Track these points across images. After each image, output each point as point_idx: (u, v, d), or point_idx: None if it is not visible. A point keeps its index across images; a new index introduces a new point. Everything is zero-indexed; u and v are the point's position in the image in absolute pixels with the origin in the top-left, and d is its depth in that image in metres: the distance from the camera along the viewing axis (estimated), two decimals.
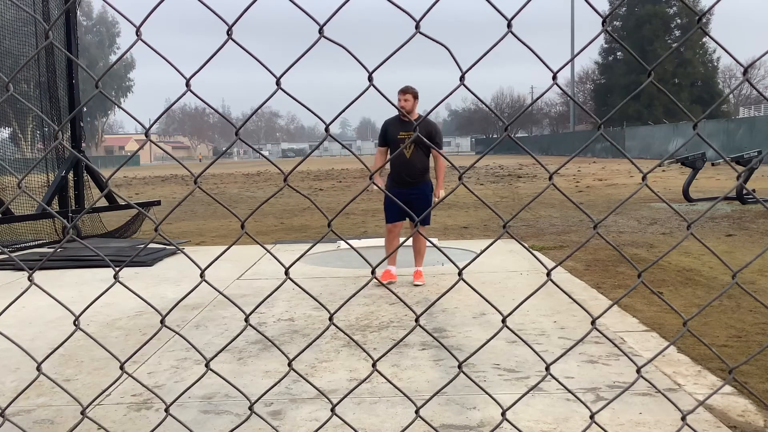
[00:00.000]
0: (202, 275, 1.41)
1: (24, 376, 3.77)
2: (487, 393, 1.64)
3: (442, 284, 5.95)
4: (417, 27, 1.29)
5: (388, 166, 6.10)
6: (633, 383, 1.67)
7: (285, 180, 1.43)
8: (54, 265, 7.28)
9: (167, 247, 8.08)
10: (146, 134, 1.34)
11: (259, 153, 1.55)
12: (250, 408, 1.55)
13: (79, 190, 9.67)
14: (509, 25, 1.32)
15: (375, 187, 5.97)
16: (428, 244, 5.77)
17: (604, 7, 49.10)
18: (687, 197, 12.98)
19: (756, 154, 13.66)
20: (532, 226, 10.37)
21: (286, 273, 1.47)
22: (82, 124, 10.03)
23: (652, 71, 1.41)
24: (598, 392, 3.30)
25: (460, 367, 1.54)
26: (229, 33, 1.28)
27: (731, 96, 60.10)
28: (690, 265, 6.67)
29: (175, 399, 1.63)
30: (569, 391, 1.68)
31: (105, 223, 10.15)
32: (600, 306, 4.93)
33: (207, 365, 1.48)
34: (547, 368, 1.57)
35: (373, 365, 1.46)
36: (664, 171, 24.41)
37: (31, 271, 1.36)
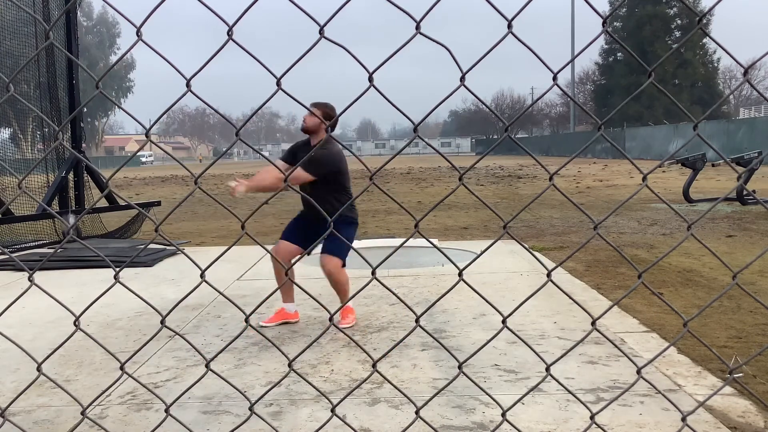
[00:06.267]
0: (202, 276, 1.41)
1: (24, 376, 3.77)
2: (487, 393, 1.64)
3: (443, 285, 5.95)
4: (417, 27, 1.29)
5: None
6: (633, 384, 1.67)
7: (285, 181, 1.43)
8: (54, 266, 7.28)
9: (167, 247, 8.08)
10: (146, 135, 1.34)
11: (260, 153, 1.55)
12: (251, 408, 1.55)
13: (80, 191, 9.68)
14: (509, 26, 1.32)
15: (238, 189, 4.33)
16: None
17: (605, 7, 49.15)
18: (687, 198, 12.97)
19: (756, 155, 13.65)
20: (533, 226, 10.37)
21: (287, 273, 1.47)
22: (82, 124, 10.04)
23: (653, 72, 1.41)
24: (598, 393, 3.29)
25: (460, 367, 1.54)
26: (229, 33, 1.27)
27: (731, 97, 60.11)
28: (690, 266, 6.67)
29: (175, 399, 1.63)
30: (569, 392, 1.68)
31: (105, 223, 10.16)
32: (600, 307, 4.92)
33: (207, 366, 1.48)
34: (548, 369, 1.57)
35: (374, 366, 1.46)
36: (664, 172, 24.41)
37: (31, 272, 1.36)
